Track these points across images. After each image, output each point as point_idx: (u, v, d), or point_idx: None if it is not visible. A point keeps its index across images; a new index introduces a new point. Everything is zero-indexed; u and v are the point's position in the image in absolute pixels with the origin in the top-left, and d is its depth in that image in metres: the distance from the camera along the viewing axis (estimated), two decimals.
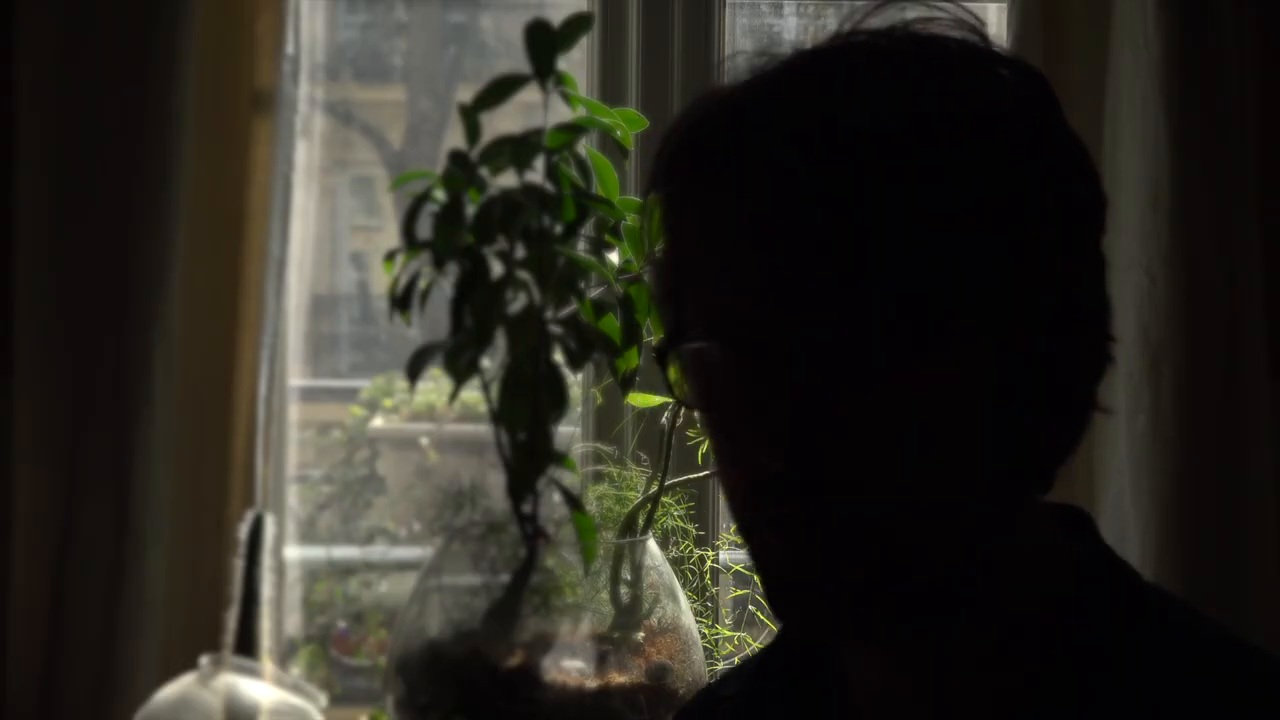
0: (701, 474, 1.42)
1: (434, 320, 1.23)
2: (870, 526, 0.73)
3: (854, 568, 0.73)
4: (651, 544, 1.28)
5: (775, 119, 0.74)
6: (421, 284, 1.17)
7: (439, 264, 1.16)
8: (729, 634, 1.55)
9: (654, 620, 1.24)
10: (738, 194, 0.74)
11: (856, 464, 0.72)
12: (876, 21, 0.77)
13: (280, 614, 1.75)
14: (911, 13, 0.78)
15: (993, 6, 1.82)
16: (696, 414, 0.90)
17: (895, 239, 0.71)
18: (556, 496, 1.18)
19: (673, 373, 0.80)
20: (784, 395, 0.73)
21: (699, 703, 0.99)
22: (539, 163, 1.16)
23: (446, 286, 1.16)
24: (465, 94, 1.34)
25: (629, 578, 1.25)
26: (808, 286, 0.72)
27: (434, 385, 2.45)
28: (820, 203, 0.71)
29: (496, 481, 1.18)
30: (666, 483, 1.30)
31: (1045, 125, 0.76)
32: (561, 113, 1.18)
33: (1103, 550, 0.82)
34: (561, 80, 1.16)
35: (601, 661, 1.20)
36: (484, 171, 1.16)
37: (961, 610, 0.76)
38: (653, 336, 1.18)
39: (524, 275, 1.14)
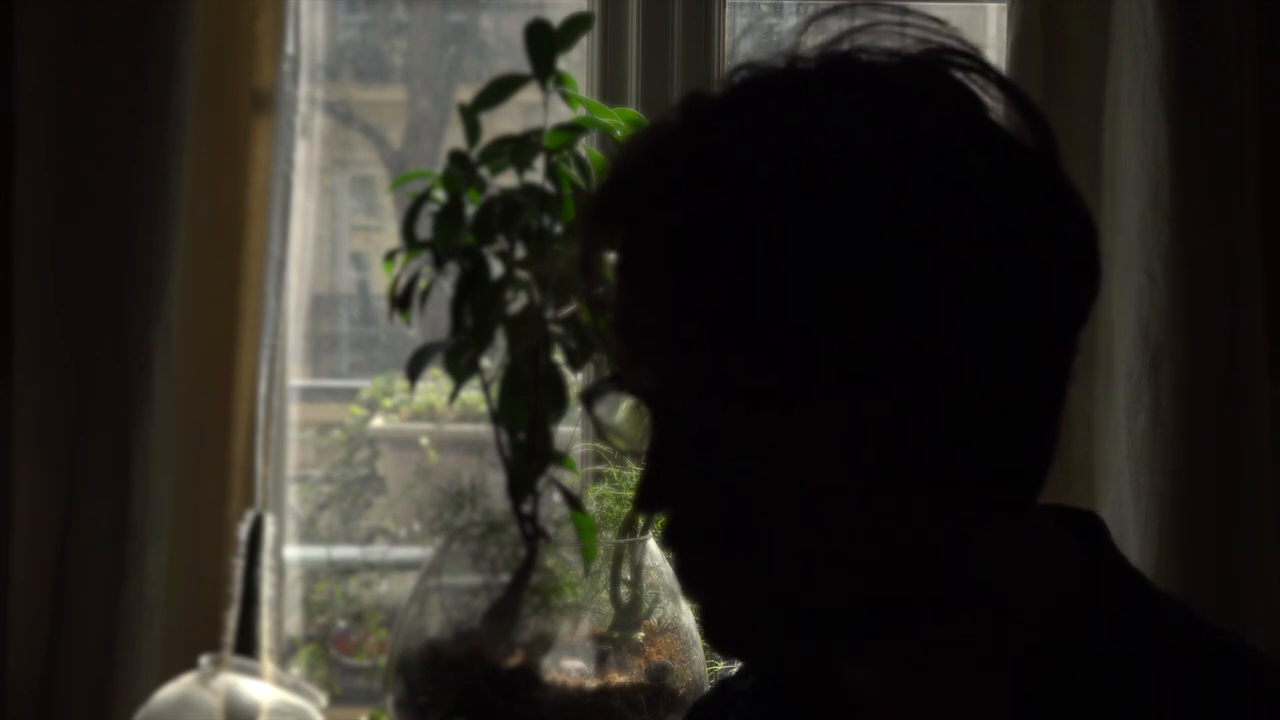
0: None
1: (434, 320, 1.23)
2: (762, 573, 0.73)
3: (756, 611, 0.74)
4: (651, 544, 1.28)
5: (657, 172, 0.74)
6: (421, 284, 1.17)
7: (439, 264, 1.16)
8: None
9: (654, 620, 1.24)
10: (629, 250, 0.75)
11: (741, 512, 0.72)
12: (813, 40, 0.76)
13: (280, 614, 1.75)
14: (859, 20, 0.76)
15: (993, 7, 1.81)
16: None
17: (768, 288, 0.69)
18: (556, 496, 1.18)
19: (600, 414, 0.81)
20: (665, 445, 0.73)
21: (716, 694, 0.99)
22: (539, 163, 1.16)
23: (446, 286, 1.16)
24: (465, 94, 1.34)
25: (629, 578, 1.25)
26: (681, 342, 0.72)
27: (434, 385, 2.45)
28: (696, 258, 0.71)
29: (496, 481, 1.18)
30: None
31: (953, 140, 0.72)
32: (561, 113, 1.18)
33: (1104, 556, 0.80)
34: (561, 80, 1.16)
35: (601, 661, 1.20)
36: (484, 171, 1.16)
37: (926, 625, 0.76)
38: None
39: (524, 275, 1.14)
